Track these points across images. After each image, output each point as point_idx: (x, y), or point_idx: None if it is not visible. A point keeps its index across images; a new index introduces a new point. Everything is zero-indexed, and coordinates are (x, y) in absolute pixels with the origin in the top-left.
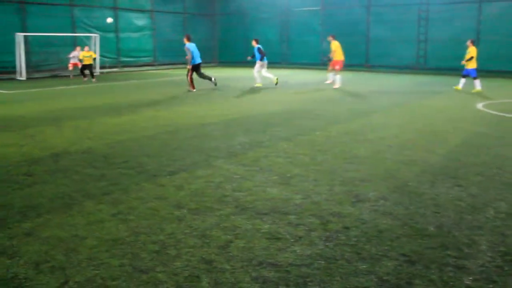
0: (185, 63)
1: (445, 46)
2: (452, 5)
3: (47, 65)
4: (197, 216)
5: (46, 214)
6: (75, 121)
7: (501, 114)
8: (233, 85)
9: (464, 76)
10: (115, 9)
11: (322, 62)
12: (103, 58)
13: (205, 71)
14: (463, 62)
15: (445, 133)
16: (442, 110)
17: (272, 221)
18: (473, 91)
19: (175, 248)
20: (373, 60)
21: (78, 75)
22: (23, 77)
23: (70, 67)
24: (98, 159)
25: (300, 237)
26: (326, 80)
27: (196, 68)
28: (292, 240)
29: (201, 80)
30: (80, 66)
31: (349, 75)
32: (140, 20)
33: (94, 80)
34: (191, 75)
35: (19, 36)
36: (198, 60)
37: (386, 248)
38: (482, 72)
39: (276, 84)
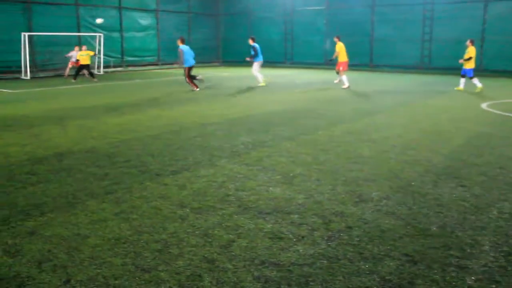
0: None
1: (450, 46)
2: (457, 4)
3: (51, 65)
4: (200, 215)
5: (49, 213)
6: (79, 120)
7: (506, 114)
8: (237, 84)
9: (463, 76)
10: (120, 9)
11: (326, 62)
12: (107, 57)
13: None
14: (461, 61)
15: (449, 133)
16: (446, 110)
17: (275, 220)
18: (476, 90)
19: (178, 247)
20: (377, 59)
21: (73, 74)
22: (28, 77)
23: (69, 66)
24: (101, 158)
25: (302, 237)
26: (335, 79)
27: (189, 69)
28: (294, 240)
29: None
30: (78, 66)
31: (354, 74)
32: (145, 20)
33: (95, 80)
34: (189, 75)
35: (25, 36)
36: (192, 61)
37: (388, 248)
38: (487, 71)
39: (262, 86)
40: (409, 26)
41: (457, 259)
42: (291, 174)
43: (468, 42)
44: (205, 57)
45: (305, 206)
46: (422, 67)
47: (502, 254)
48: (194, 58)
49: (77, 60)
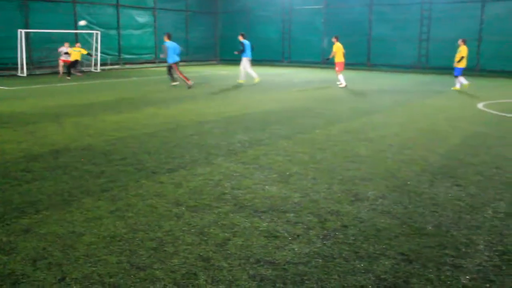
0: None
1: (447, 46)
2: (454, 4)
3: (48, 62)
4: (196, 213)
5: (45, 211)
6: (75, 118)
7: (502, 114)
8: (234, 83)
9: (456, 76)
10: (117, 6)
11: (323, 61)
12: (104, 55)
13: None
14: (457, 64)
15: (446, 133)
16: (443, 110)
17: (271, 219)
18: (453, 88)
19: (173, 246)
20: (375, 59)
21: (66, 72)
22: (24, 74)
23: (61, 63)
24: (98, 156)
25: (298, 235)
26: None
27: (172, 65)
28: (290, 238)
29: (198, 79)
30: (69, 63)
31: (351, 74)
32: (142, 17)
33: (79, 74)
34: (179, 71)
35: (21, 33)
36: (175, 58)
37: (384, 247)
38: (484, 71)
39: (240, 83)
40: (407, 26)
41: (452, 258)
42: (288, 173)
43: (460, 42)
44: (202, 55)
45: (301, 205)
46: (420, 67)
47: (497, 253)
48: (180, 55)
49: (67, 57)
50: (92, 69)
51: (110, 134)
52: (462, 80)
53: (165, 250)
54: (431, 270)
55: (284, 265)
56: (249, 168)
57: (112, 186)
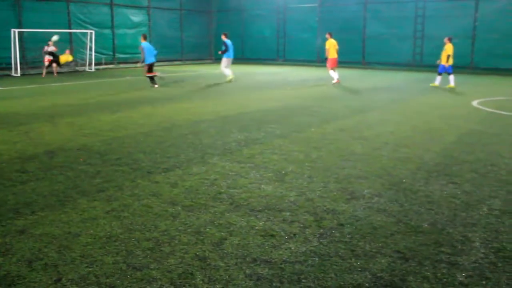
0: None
1: (442, 44)
2: (448, 2)
3: (42, 62)
4: (192, 213)
5: (40, 211)
6: (70, 117)
7: (497, 111)
8: (229, 82)
9: (449, 74)
10: (111, 5)
11: (319, 61)
12: (99, 54)
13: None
14: (446, 64)
15: (441, 130)
16: (438, 107)
17: (267, 218)
18: (431, 84)
19: (169, 245)
20: (369, 57)
21: (49, 72)
22: (18, 74)
23: (46, 63)
24: (93, 156)
25: (294, 234)
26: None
27: (149, 66)
28: (286, 237)
29: (193, 78)
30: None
31: (346, 72)
32: (137, 17)
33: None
34: (148, 72)
35: (14, 32)
36: (151, 59)
37: (380, 245)
38: (478, 69)
39: (229, 82)
40: (401, 24)
41: (448, 256)
42: (283, 172)
43: (445, 40)
44: (197, 54)
45: (297, 203)
46: (414, 65)
47: (492, 250)
48: (156, 56)
49: (52, 56)
50: (87, 68)
51: (106, 134)
52: (437, 79)
53: (161, 250)
54: (427, 267)
55: (281, 264)
56: (244, 167)
57: (108, 186)
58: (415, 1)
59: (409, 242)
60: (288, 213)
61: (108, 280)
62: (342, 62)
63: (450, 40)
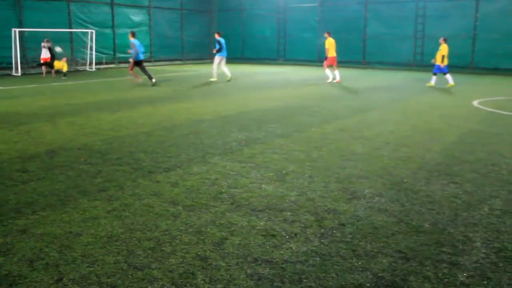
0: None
1: None
2: (449, 2)
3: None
4: (193, 213)
5: (41, 211)
6: (71, 117)
7: (497, 111)
8: (231, 81)
9: (445, 74)
10: (112, 5)
11: (319, 60)
12: (99, 54)
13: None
14: (442, 65)
15: (441, 130)
16: (439, 107)
17: (268, 218)
18: (428, 84)
19: (170, 245)
20: (370, 57)
21: (48, 71)
22: (19, 73)
23: (41, 60)
24: (94, 155)
25: (295, 234)
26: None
27: (138, 63)
28: (287, 237)
29: (194, 78)
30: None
31: (346, 72)
32: (137, 16)
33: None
34: (132, 68)
35: (15, 32)
36: (141, 56)
37: (381, 245)
38: (478, 69)
39: (228, 81)
40: (401, 24)
41: (449, 256)
42: (284, 171)
43: (441, 40)
44: (197, 54)
45: (298, 203)
46: (415, 65)
47: (494, 250)
48: (144, 53)
49: (46, 54)
50: (87, 68)
51: (106, 133)
52: (433, 80)
53: (162, 250)
54: (428, 267)
55: (282, 264)
56: (245, 167)
57: (109, 185)
58: (416, 1)
59: (410, 242)
60: (289, 213)
61: (109, 279)
62: (343, 62)
63: (445, 40)
